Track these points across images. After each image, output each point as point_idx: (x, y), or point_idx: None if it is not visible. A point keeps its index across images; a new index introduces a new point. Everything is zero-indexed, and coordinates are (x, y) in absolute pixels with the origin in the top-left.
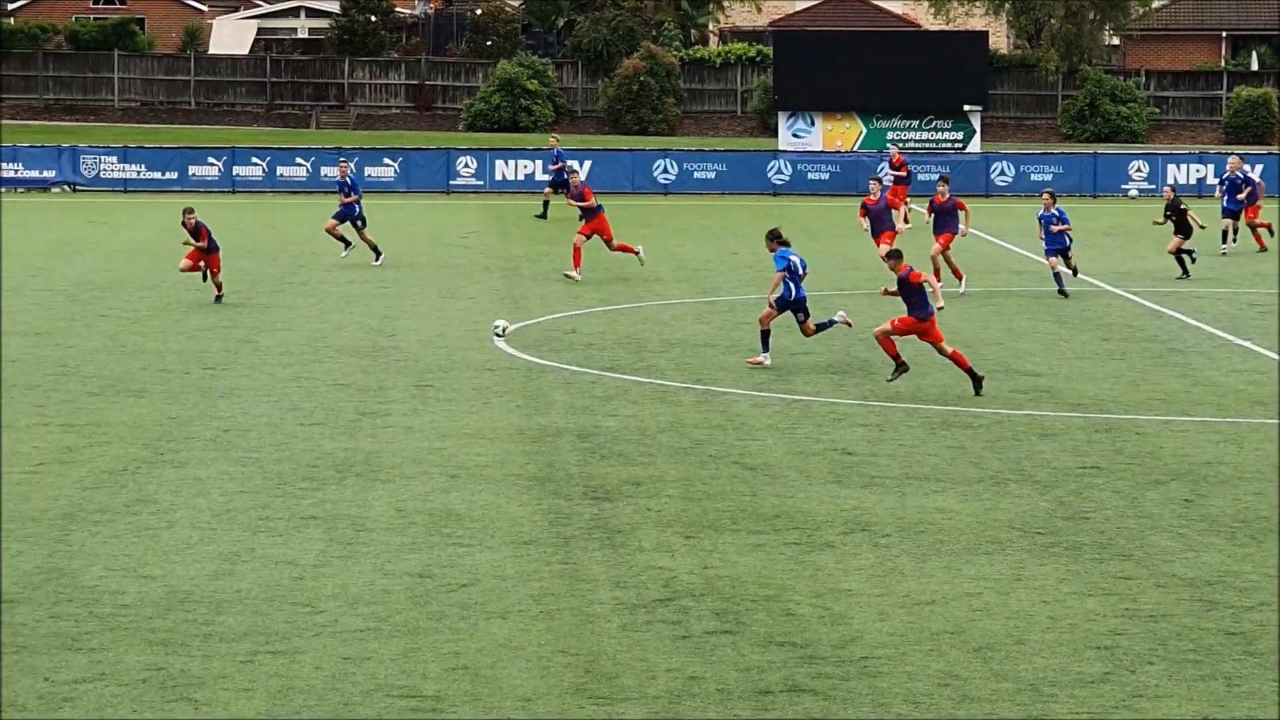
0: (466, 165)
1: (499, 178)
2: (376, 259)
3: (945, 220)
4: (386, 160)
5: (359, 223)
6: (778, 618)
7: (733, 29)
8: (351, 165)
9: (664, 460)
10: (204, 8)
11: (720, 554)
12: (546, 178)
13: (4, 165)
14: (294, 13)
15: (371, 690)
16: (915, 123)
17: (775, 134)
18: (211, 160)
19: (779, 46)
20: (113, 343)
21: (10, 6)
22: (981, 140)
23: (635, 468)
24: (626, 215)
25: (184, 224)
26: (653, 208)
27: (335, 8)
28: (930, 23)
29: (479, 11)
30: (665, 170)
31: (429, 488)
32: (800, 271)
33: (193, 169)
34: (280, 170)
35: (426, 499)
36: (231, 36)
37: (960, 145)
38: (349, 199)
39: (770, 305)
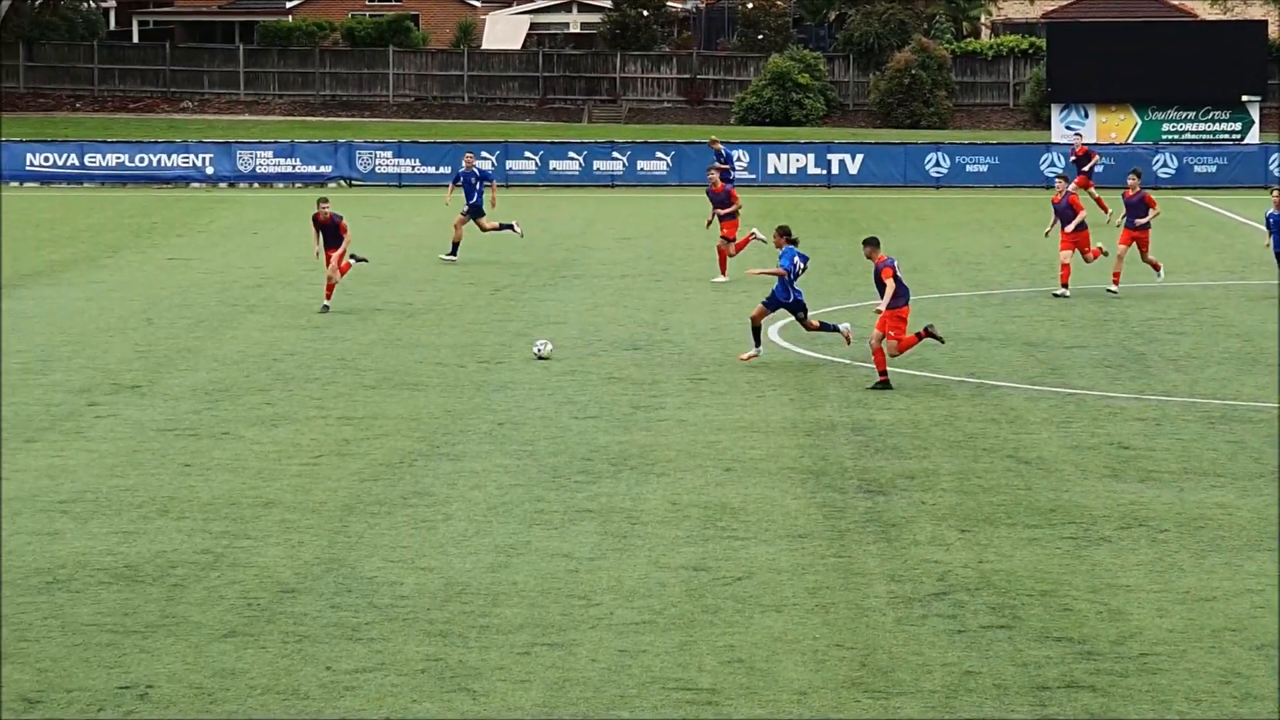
0: (739, 159)
1: (770, 171)
2: (515, 230)
3: (1135, 215)
4: (659, 154)
5: (476, 215)
6: (1055, 613)
7: (1005, 21)
8: (476, 158)
9: (938, 454)
10: (477, 3)
11: (995, 548)
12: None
13: (283, 160)
14: (566, 7)
15: (647, 683)
16: (1191, 114)
17: (1048, 126)
18: (485, 155)
19: (1052, 38)
20: (388, 336)
21: (288, 4)
22: (1260, 131)
23: (909, 461)
24: (898, 209)
25: (316, 216)
26: (925, 201)
27: (607, 2)
28: (1207, 12)
29: (750, 5)
30: (937, 164)
31: (703, 481)
32: (799, 270)
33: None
34: (553, 164)
35: (701, 492)
36: (504, 32)
37: (1238, 136)
38: (479, 187)
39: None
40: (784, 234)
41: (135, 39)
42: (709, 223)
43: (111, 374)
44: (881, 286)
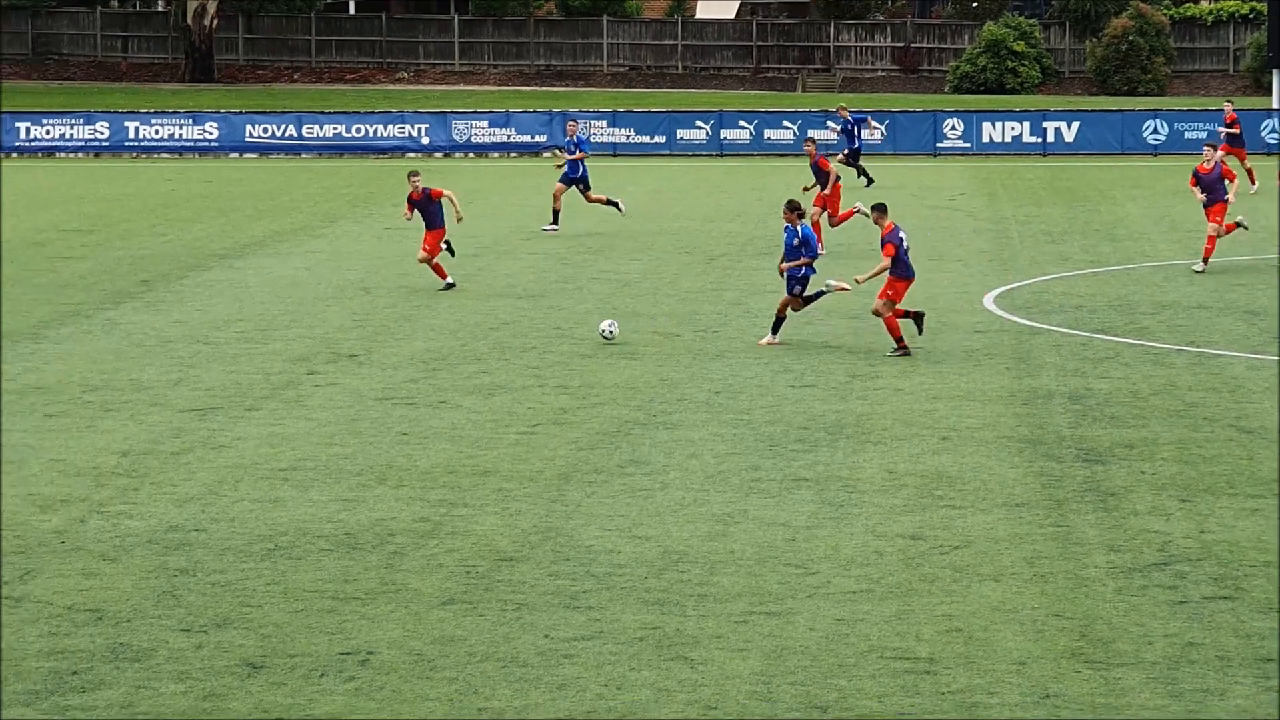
0: (953, 127)
1: (985, 139)
2: (619, 209)
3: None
4: (873, 122)
5: (582, 185)
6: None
7: None
8: (580, 125)
9: (1157, 423)
10: None
11: (1217, 518)
12: (828, 134)
13: (498, 130)
14: None
15: (865, 652)
16: None
17: (1269, 92)
18: (699, 124)
19: (1273, 2)
20: (604, 305)
21: None
22: None
23: (1128, 430)
24: (1115, 177)
25: (410, 196)
26: (1142, 169)
27: None
28: None
29: None
30: (1155, 131)
31: (920, 450)
32: (804, 250)
33: (680, 133)
34: (767, 133)
35: (917, 461)
36: (717, 2)
37: None
38: (574, 158)
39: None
40: (794, 209)
41: (351, 10)
42: (805, 189)
43: (330, 343)
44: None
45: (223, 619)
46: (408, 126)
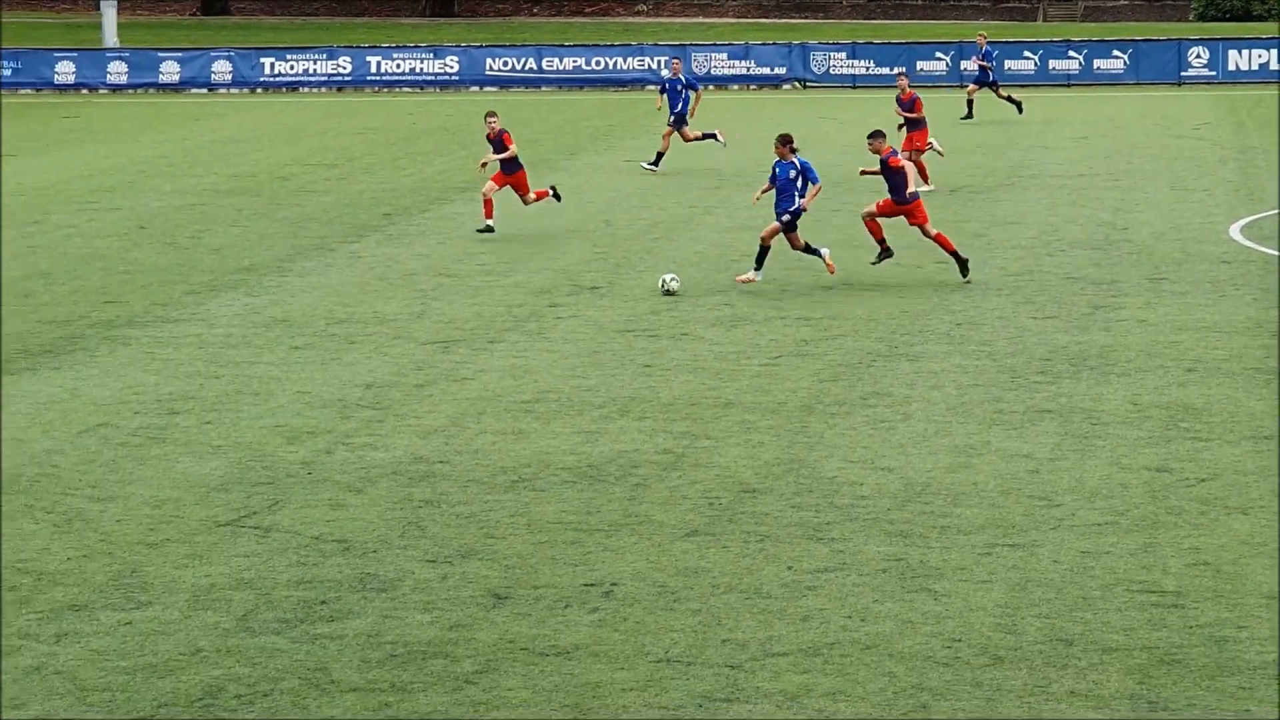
0: (1198, 56)
1: (1231, 68)
2: (718, 140)
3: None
4: (1116, 52)
5: (679, 124)
6: None
7: None
8: (682, 61)
9: None
10: None
11: None
12: (972, 70)
13: (737, 62)
14: None
15: (1110, 584)
16: None
17: None
18: (939, 55)
19: None
20: (845, 237)
21: None
22: None
23: None
24: None
25: (487, 135)
26: None
27: None
28: None
29: None
30: None
31: (1164, 381)
32: (793, 185)
33: (920, 64)
34: (1008, 64)
35: (1162, 392)
36: None
37: None
38: (685, 95)
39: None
40: (788, 143)
41: None
42: (899, 127)
43: (571, 275)
44: (893, 176)
45: (467, 550)
46: (647, 59)
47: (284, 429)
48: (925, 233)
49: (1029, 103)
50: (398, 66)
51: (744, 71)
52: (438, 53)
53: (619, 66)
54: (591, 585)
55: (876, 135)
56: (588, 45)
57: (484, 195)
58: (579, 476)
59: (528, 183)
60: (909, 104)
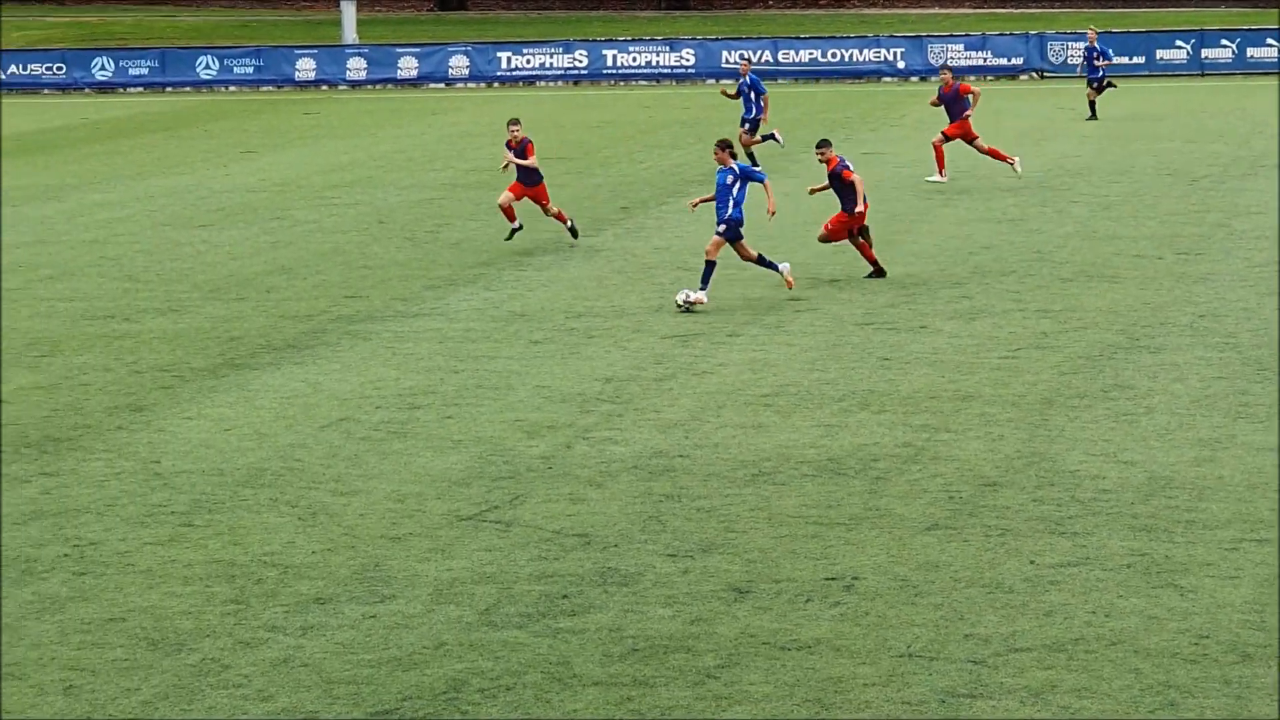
0: None
1: None
2: (778, 141)
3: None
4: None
5: (750, 127)
6: None
7: None
8: (751, 62)
9: None
10: None
11: None
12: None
13: (973, 53)
14: None
15: None
16: None
17: None
18: (1179, 43)
19: None
20: (1084, 229)
21: None
22: None
23: None
24: None
25: (509, 142)
26: None
27: None
28: None
29: None
30: None
31: None
32: (733, 193)
33: (1160, 52)
34: (1250, 52)
35: None
36: None
37: None
38: (756, 100)
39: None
40: (726, 148)
41: None
42: (934, 102)
43: (809, 268)
44: (842, 188)
45: (708, 544)
46: (883, 50)
47: (524, 423)
48: (836, 238)
49: (1270, 92)
50: (634, 60)
51: (981, 62)
52: (674, 45)
53: (855, 58)
54: (832, 579)
55: (824, 144)
56: (823, 37)
57: (501, 205)
58: (819, 470)
59: (548, 195)
60: (951, 95)
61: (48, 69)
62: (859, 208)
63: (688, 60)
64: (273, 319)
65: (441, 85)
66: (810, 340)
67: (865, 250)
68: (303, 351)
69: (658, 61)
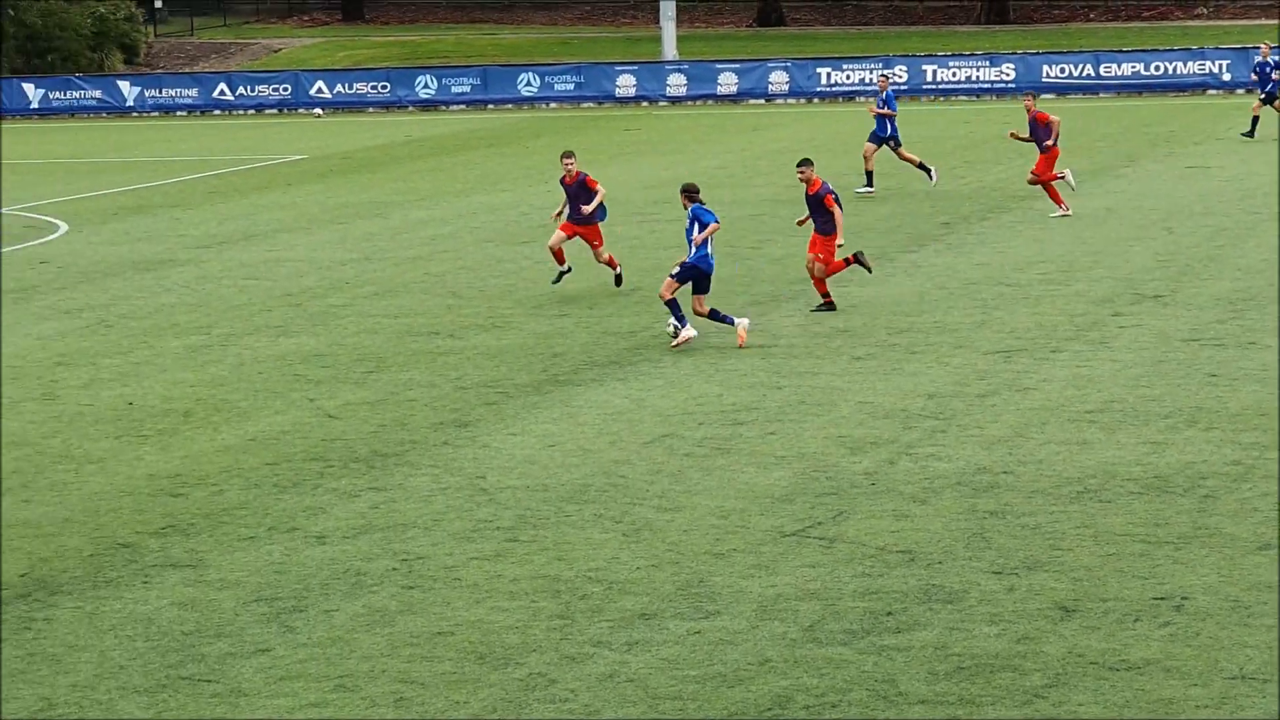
0: None
1: None
2: (930, 178)
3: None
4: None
5: (893, 142)
6: None
7: None
8: (889, 79)
9: None
10: None
11: None
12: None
13: None
14: None
15: None
16: None
17: None
18: None
19: None
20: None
21: None
22: None
23: None
24: None
25: (564, 178)
26: None
27: None
28: None
29: None
30: None
31: None
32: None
33: None
34: None
35: None
36: None
37: None
38: (883, 114)
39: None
40: (687, 193)
41: None
42: (1012, 134)
43: (1133, 284)
44: (820, 211)
45: (1033, 562)
46: (1208, 63)
47: (847, 439)
48: (818, 268)
49: None
50: (953, 75)
51: None
52: (993, 60)
53: (1178, 71)
54: (1161, 599)
55: (806, 164)
56: (1146, 50)
57: (552, 248)
58: (1145, 488)
59: (601, 237)
60: (1034, 124)
61: (372, 88)
62: (840, 240)
63: (1008, 75)
64: (595, 335)
65: (761, 101)
66: (1134, 356)
67: (820, 284)
68: (625, 368)
69: (978, 77)
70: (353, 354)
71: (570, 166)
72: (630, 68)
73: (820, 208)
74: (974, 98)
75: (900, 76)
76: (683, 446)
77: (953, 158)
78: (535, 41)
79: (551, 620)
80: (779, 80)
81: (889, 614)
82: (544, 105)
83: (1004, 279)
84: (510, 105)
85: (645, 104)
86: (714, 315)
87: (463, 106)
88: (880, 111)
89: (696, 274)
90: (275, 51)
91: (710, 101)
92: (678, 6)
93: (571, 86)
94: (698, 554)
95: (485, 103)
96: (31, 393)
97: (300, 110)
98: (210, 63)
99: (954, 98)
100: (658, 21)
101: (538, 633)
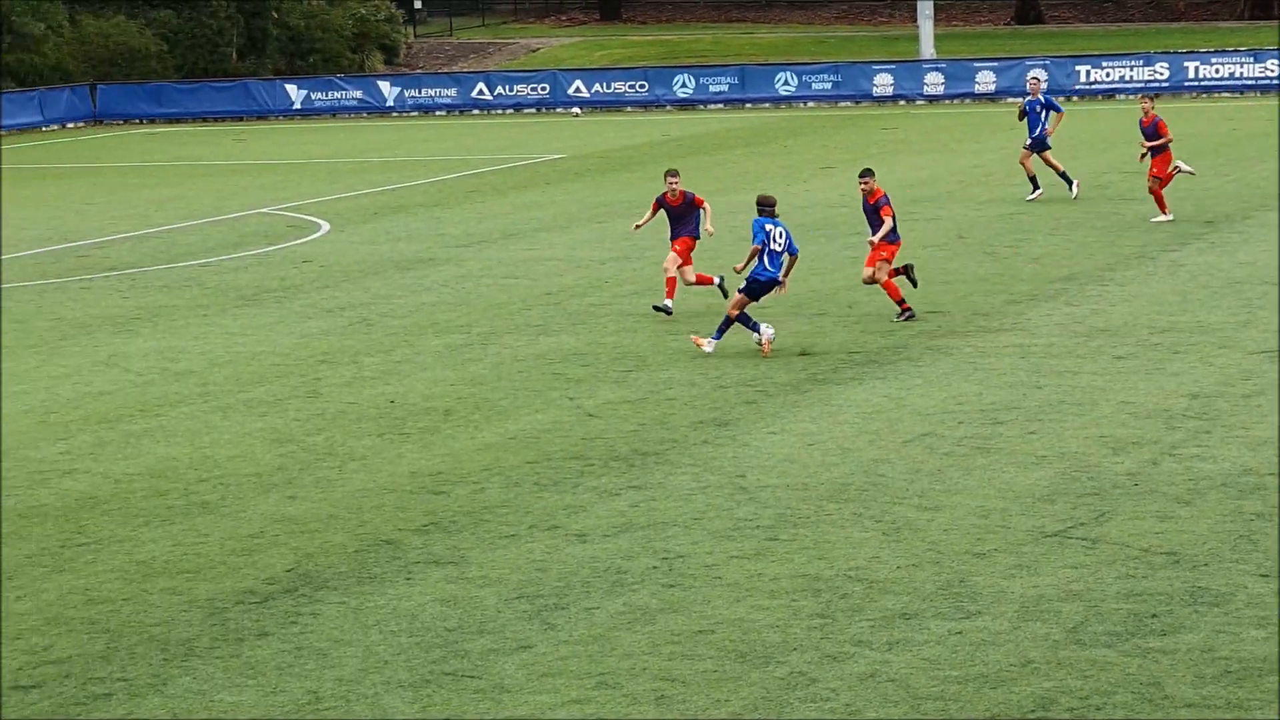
0: None
1: None
2: (1070, 189)
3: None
4: None
5: (1037, 146)
6: None
7: None
8: (1044, 82)
9: None
10: None
11: None
12: None
13: None
14: None
15: None
16: None
17: None
18: None
19: None
20: None
21: None
22: None
23: None
24: None
25: (666, 196)
26: None
27: None
28: None
29: None
30: None
31: None
32: (773, 245)
33: None
34: None
35: None
36: None
37: None
38: (1044, 116)
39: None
40: (760, 203)
41: None
42: (1141, 156)
43: None
44: (876, 220)
45: None
46: None
47: (1108, 439)
48: (883, 275)
49: None
50: (1216, 71)
51: None
52: (1258, 56)
53: None
54: None
55: (868, 174)
56: None
57: (670, 272)
58: None
59: (688, 250)
60: (1151, 129)
61: (630, 87)
62: (897, 242)
63: (1272, 71)
64: (854, 334)
65: (1020, 99)
66: None
67: (892, 290)
68: (884, 366)
69: (1241, 73)
70: (612, 353)
71: (675, 185)
72: (888, 66)
73: (876, 216)
74: (1237, 94)
75: (1161, 73)
76: (942, 445)
77: (1216, 155)
78: (792, 41)
79: (812, 619)
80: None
81: (1154, 616)
82: (801, 104)
83: (1269, 278)
84: (767, 104)
85: (902, 103)
86: (742, 320)
87: (720, 105)
88: (1044, 120)
89: (758, 286)
90: (533, 51)
91: (968, 100)
92: (935, 5)
93: (829, 86)
94: (958, 554)
95: (742, 102)
96: (296, 391)
97: (558, 109)
98: (469, 63)
99: (1217, 94)
100: (915, 20)
101: (798, 631)
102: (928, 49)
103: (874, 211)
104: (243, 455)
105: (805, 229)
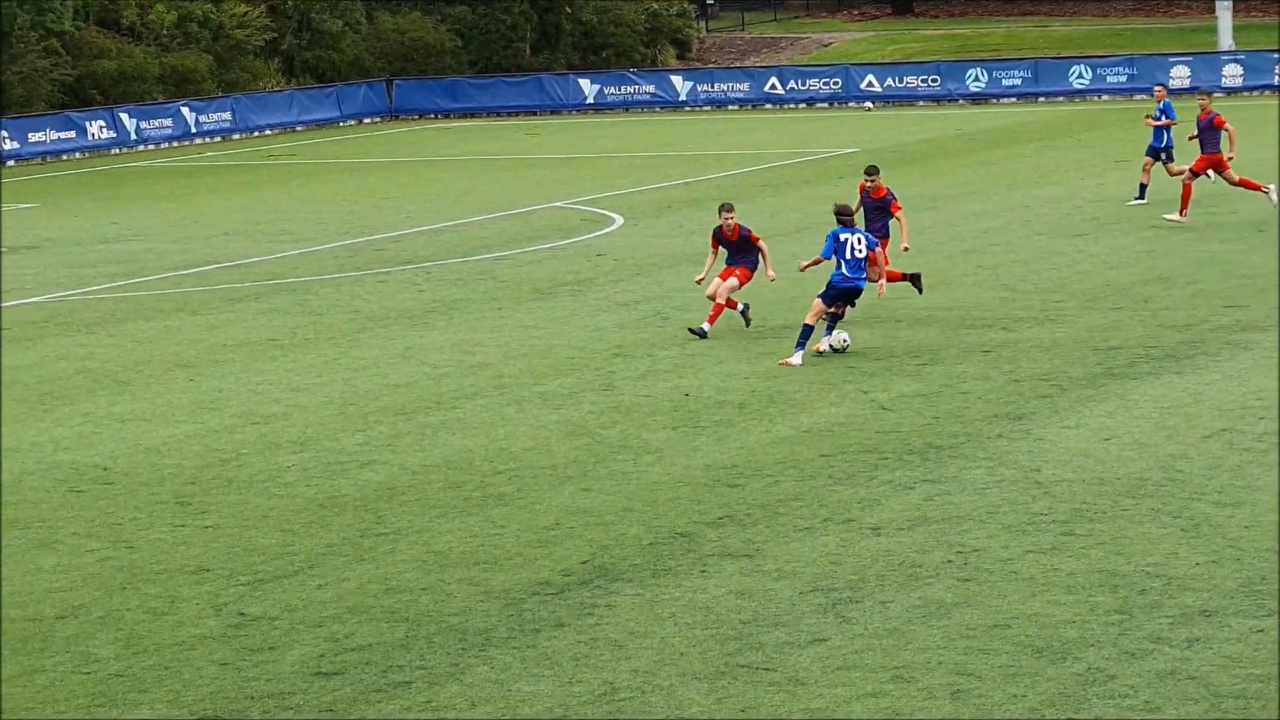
0: None
1: None
2: (1271, 199)
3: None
4: None
5: (1165, 156)
6: None
7: None
8: (1167, 88)
9: None
10: None
11: None
12: None
13: None
14: None
15: None
16: None
17: None
18: None
19: None
20: None
21: None
22: None
23: None
24: None
25: (722, 230)
26: None
27: None
28: None
29: None
30: None
31: None
32: (851, 253)
33: None
34: None
35: None
36: None
37: None
38: (1160, 125)
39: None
40: (838, 213)
41: None
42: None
43: None
44: (881, 218)
45: None
46: None
47: None
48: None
49: None
50: None
51: None
52: None
53: None
54: None
55: (874, 171)
56: None
57: (720, 298)
58: None
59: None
60: (1207, 123)
61: (922, 81)
62: (904, 244)
63: None
64: (1150, 328)
65: None
66: None
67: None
68: (1182, 361)
69: None
70: (906, 346)
71: (730, 220)
72: (1184, 58)
73: (885, 211)
74: None
75: None
76: (1242, 441)
77: None
78: (1087, 34)
79: (1109, 615)
80: None
81: None
82: (1095, 98)
83: None
84: (1061, 98)
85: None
86: (833, 320)
87: (1013, 99)
88: (1158, 123)
89: (836, 292)
90: (825, 45)
91: (1267, 92)
92: None
93: (1124, 78)
94: (1260, 550)
95: (1036, 95)
96: (591, 384)
97: (850, 104)
98: (761, 57)
99: None
100: (1213, 11)
101: (1095, 627)
102: (1226, 40)
103: (881, 206)
104: (538, 448)
105: (1099, 223)
